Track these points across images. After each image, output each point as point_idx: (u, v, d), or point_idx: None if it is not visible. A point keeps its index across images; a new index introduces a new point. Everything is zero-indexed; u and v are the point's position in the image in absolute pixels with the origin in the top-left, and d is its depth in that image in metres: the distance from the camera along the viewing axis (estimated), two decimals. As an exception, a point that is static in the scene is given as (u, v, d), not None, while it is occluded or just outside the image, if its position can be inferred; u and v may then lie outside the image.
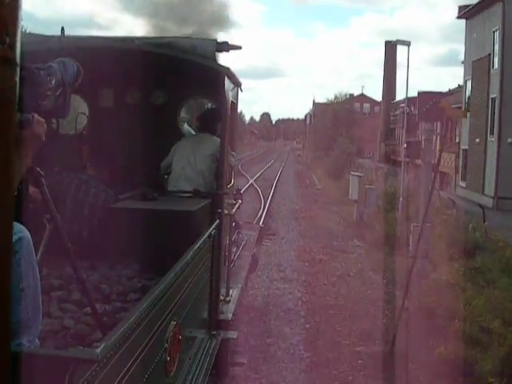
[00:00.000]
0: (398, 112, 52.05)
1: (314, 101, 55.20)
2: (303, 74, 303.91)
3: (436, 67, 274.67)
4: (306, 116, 35.42)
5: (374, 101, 75.76)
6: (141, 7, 35.51)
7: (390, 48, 57.49)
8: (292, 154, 75.42)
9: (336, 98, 54.76)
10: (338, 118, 49.67)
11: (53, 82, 2.38)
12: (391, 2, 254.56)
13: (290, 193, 24.15)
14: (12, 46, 0.88)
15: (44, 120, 2.06)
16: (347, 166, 29.43)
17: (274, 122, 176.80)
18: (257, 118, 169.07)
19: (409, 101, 45.92)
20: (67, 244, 2.27)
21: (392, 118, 53.66)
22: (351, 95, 57.41)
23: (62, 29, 3.79)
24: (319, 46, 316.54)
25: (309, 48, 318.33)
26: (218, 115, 4.61)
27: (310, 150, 48.06)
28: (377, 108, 72.77)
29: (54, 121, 2.36)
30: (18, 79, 0.92)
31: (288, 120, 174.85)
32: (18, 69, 0.92)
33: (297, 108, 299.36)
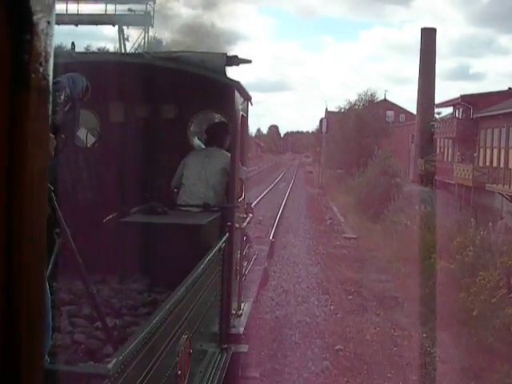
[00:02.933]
0: (438, 118, 48.81)
1: (326, 109, 55.35)
2: (311, 86, 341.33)
3: (444, 81, 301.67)
4: (320, 122, 34.32)
5: (399, 107, 75.98)
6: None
7: (428, 34, 54.34)
8: (301, 171, 76.57)
9: (359, 99, 51.41)
10: (363, 125, 46.52)
11: (62, 97, 3.00)
12: (400, 15, 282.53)
13: (297, 257, 16.02)
14: (45, 76, 1.08)
15: (53, 135, 2.52)
16: (391, 195, 23.63)
17: (282, 135, 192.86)
18: (264, 130, 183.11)
19: (454, 106, 44.66)
20: (78, 259, 2.78)
21: (432, 125, 49.16)
22: (373, 96, 52.98)
23: (73, 44, 4.88)
24: (327, 59, 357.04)
25: (317, 61, 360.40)
26: (226, 128, 5.69)
27: (324, 167, 45.04)
28: (402, 116, 73.75)
29: (62, 136, 2.89)
30: (50, 107, 1.14)
31: (297, 133, 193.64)
32: (51, 97, 1.13)
33: (305, 121, 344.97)
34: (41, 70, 1.08)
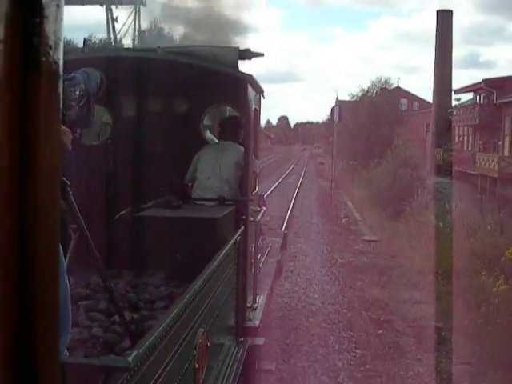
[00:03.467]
0: (458, 105, 48.85)
1: (337, 97, 55.53)
2: (321, 77, 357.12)
3: (456, 70, 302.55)
4: (332, 110, 33.86)
5: (412, 95, 77.64)
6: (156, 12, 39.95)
7: (444, 16, 55.28)
8: (312, 162, 74.82)
9: (373, 86, 51.20)
10: (378, 113, 46.01)
11: (77, 92, 3.13)
12: (409, 4, 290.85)
13: (309, 271, 13.95)
14: (56, 61, 1.13)
15: (69, 130, 2.68)
16: (414, 190, 22.03)
17: (292, 126, 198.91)
18: (274, 121, 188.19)
19: (474, 92, 43.39)
20: (95, 253, 2.88)
21: (450, 113, 49.87)
22: (387, 83, 52.31)
23: (85, 40, 5.21)
24: (336, 49, 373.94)
25: (326, 52, 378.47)
26: (240, 122, 5.97)
27: (336, 158, 41.22)
28: (416, 104, 75.04)
29: (78, 130, 3.07)
30: (61, 91, 1.19)
31: (307, 124, 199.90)
32: (61, 81, 1.18)
33: (315, 112, 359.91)
34: (51, 53, 1.13)
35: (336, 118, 31.57)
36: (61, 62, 1.18)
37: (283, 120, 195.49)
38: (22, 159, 1.10)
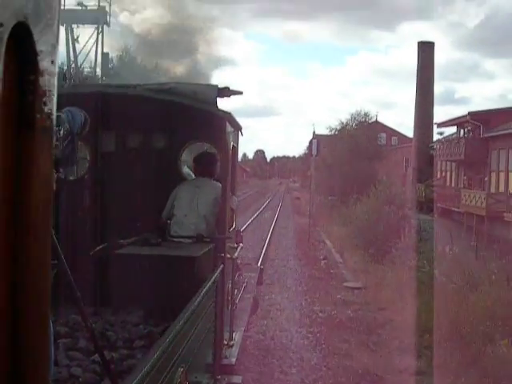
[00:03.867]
0: (441, 139, 49.11)
1: (314, 131, 56.49)
2: (298, 111, 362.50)
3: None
4: (310, 143, 34.79)
5: (391, 129, 79.61)
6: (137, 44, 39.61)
7: (425, 48, 55.27)
8: (288, 197, 76.26)
9: (352, 118, 53.10)
10: (357, 147, 48.02)
11: (61, 132, 3.33)
12: (386, 40, 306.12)
13: (286, 333, 11.91)
14: (49, 115, 1.21)
15: (53, 169, 3.08)
16: (400, 229, 22.19)
17: (268, 160, 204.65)
18: (250, 155, 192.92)
19: (458, 126, 42.84)
20: (76, 291, 2.95)
21: (431, 147, 50.49)
22: (367, 115, 54.47)
23: (64, 74, 5.56)
24: (314, 84, 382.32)
25: (304, 86, 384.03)
26: (215, 158, 6.38)
27: (314, 193, 40.47)
28: (394, 139, 76.87)
29: (61, 170, 3.21)
30: (54, 146, 1.27)
31: (283, 158, 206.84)
32: (54, 137, 1.26)
33: (292, 146, 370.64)
34: (45, 109, 1.20)
35: (314, 151, 32.34)
36: (54, 116, 1.25)
37: (260, 154, 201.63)
38: (15, 212, 1.17)
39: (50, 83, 1.22)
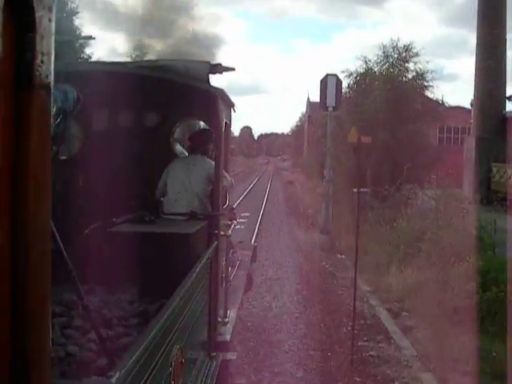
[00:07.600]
0: None
1: (308, 98, 51.05)
2: (286, 89, 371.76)
3: None
4: (322, 83, 18.19)
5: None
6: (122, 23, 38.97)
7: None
8: (278, 181, 58.99)
9: (384, 55, 26.61)
10: (400, 99, 24.54)
11: (53, 109, 3.22)
12: (373, 16, 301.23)
13: None
14: (47, 74, 1.21)
15: None
16: None
17: (255, 137, 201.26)
18: (236, 133, 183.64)
19: None
20: (71, 269, 2.97)
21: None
22: (409, 50, 26.07)
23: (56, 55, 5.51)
24: (302, 61, 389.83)
25: (291, 64, 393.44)
26: (210, 136, 6.36)
27: (329, 184, 20.44)
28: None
29: (53, 148, 3.29)
30: (51, 105, 1.28)
31: (271, 135, 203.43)
32: (52, 94, 1.26)
33: (280, 124, 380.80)
34: (43, 67, 1.20)
35: (331, 101, 18.30)
36: (52, 76, 1.26)
37: (246, 130, 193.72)
38: (15, 171, 1.18)
39: (48, 42, 1.23)
